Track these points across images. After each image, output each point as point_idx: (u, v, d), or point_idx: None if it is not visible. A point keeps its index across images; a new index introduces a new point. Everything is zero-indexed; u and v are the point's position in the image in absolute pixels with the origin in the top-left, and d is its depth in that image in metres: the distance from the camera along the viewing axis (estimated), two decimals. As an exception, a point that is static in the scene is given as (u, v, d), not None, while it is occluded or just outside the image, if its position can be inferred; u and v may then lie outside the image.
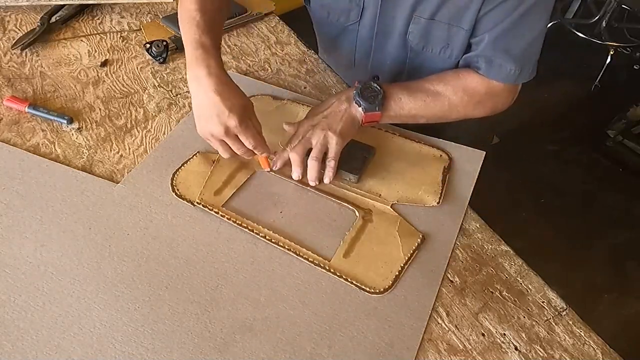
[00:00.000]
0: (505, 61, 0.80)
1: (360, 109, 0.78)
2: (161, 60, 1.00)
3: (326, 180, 0.78)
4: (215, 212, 0.75)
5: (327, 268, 0.70)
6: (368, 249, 0.73)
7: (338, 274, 0.70)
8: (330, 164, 0.77)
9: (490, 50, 0.80)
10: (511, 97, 0.85)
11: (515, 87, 0.85)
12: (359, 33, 0.94)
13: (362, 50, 0.96)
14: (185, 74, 0.98)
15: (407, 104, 0.80)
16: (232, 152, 0.74)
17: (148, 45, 1.00)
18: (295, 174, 0.78)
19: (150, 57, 1.01)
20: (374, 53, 0.95)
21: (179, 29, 1.03)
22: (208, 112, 0.70)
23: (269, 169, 0.80)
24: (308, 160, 0.76)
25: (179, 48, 1.02)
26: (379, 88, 0.78)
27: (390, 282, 0.69)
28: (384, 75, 0.98)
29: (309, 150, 0.77)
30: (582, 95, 2.47)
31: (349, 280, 0.69)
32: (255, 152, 0.74)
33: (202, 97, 0.70)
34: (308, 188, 0.79)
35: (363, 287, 0.69)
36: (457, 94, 0.81)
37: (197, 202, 0.76)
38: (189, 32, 0.75)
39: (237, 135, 0.71)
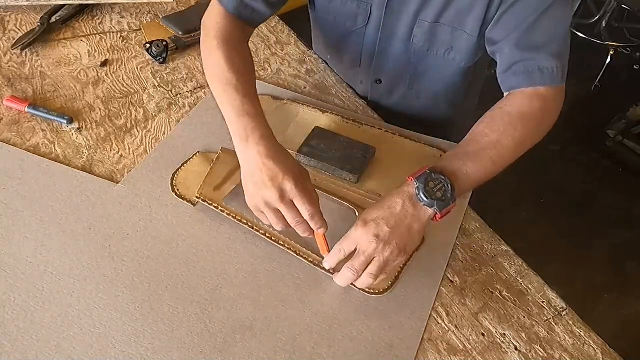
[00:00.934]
0: (543, 60, 0.72)
1: (432, 209, 0.65)
2: (161, 60, 1.00)
3: (359, 284, 0.66)
4: (215, 206, 0.75)
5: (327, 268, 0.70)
6: (368, 249, 0.73)
7: None
8: (381, 276, 0.65)
9: (519, 54, 0.73)
10: (561, 101, 0.76)
11: (562, 90, 0.75)
12: (365, 37, 0.93)
13: (367, 52, 0.96)
14: (186, 74, 0.99)
15: (475, 174, 0.69)
16: (286, 222, 0.67)
17: (148, 45, 1.00)
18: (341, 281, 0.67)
19: (150, 57, 1.01)
20: (377, 56, 0.94)
21: (180, 30, 1.04)
22: (260, 178, 0.65)
23: (327, 253, 0.68)
24: (359, 275, 0.64)
25: (179, 48, 1.03)
26: (443, 177, 0.65)
27: (390, 283, 0.69)
28: (386, 77, 0.98)
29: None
30: (582, 95, 2.46)
31: None
32: (312, 223, 0.66)
33: (253, 165, 0.67)
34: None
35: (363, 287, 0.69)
36: (518, 129, 0.70)
37: (197, 197, 0.76)
38: (229, 97, 0.71)
39: (292, 202, 0.65)
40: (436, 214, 0.65)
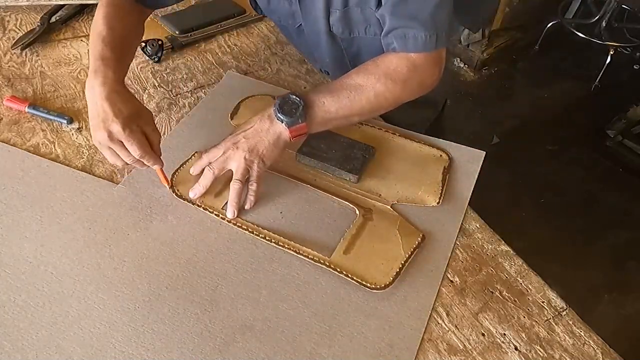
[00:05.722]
0: (416, 29, 0.76)
1: (282, 124, 0.74)
2: (156, 59, 1.00)
3: (247, 205, 0.76)
4: (216, 214, 0.75)
5: (327, 264, 0.70)
6: (368, 246, 0.73)
7: (338, 269, 0.70)
8: (252, 187, 0.75)
9: (395, 21, 0.77)
10: (437, 68, 0.81)
11: (437, 56, 0.80)
12: (304, 33, 0.95)
13: (312, 47, 0.98)
14: (186, 73, 0.99)
15: (332, 106, 0.76)
16: (122, 160, 0.72)
17: (143, 44, 1.00)
18: (193, 192, 0.76)
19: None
20: (316, 50, 0.96)
21: (176, 29, 1.05)
22: (96, 120, 0.69)
23: (168, 185, 0.78)
24: (230, 184, 0.74)
25: (175, 47, 1.03)
26: (298, 99, 0.75)
27: (391, 279, 0.69)
28: (330, 67, 1.00)
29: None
30: (582, 95, 2.46)
31: (349, 276, 0.69)
32: (144, 162, 0.72)
33: (92, 105, 0.71)
34: (308, 186, 0.79)
35: (363, 282, 0.69)
36: (380, 81, 0.77)
37: (198, 205, 0.76)
38: (94, 47, 0.75)
39: (122, 143, 0.70)
40: (287, 129, 0.75)
